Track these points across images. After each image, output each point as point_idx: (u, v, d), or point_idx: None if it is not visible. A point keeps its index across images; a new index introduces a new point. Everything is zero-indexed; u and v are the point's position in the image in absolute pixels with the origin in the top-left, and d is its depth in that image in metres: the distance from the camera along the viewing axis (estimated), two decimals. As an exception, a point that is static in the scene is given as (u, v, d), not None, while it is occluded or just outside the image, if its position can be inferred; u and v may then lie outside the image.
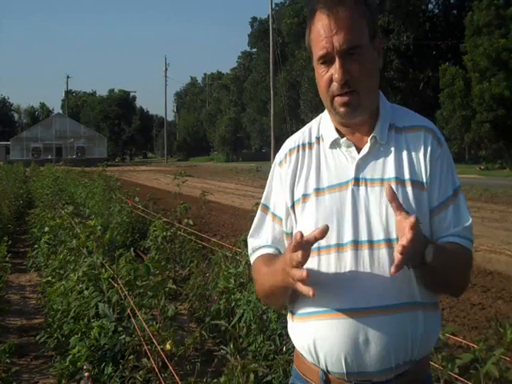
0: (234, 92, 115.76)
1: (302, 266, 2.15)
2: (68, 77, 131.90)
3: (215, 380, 5.01)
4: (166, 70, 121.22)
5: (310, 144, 2.55)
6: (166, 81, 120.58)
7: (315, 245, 2.23)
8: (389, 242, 2.29)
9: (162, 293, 7.07)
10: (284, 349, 5.83)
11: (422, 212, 2.35)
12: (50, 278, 9.17)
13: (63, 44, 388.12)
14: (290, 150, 2.58)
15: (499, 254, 12.85)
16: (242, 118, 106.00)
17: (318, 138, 2.54)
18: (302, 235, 2.14)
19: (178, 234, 11.67)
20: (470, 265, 2.46)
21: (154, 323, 6.09)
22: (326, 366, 2.37)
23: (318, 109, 64.37)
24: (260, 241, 2.62)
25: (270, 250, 2.58)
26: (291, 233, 2.51)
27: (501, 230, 16.67)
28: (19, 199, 23.53)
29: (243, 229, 15.69)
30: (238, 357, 4.79)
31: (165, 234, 11.20)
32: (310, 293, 2.11)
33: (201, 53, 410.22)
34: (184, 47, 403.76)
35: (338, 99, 2.40)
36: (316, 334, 2.37)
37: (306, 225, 2.42)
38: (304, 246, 2.14)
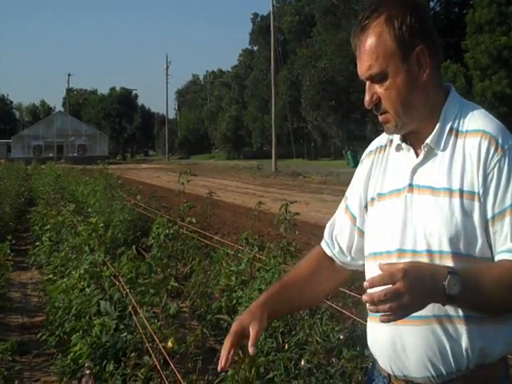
0: (235, 90, 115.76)
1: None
2: (69, 75, 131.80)
3: (223, 374, 4.99)
4: (168, 67, 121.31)
5: (385, 146, 2.55)
6: (167, 78, 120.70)
7: (373, 250, 2.43)
8: (429, 253, 2.25)
9: (163, 291, 7.07)
10: (286, 346, 5.82)
11: (473, 224, 2.24)
12: (51, 276, 9.16)
13: (64, 42, 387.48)
14: (370, 152, 2.61)
15: None
16: (244, 115, 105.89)
17: (390, 141, 2.53)
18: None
19: (180, 231, 11.67)
20: None
21: (156, 321, 6.09)
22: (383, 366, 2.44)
23: (319, 107, 64.32)
24: (327, 232, 2.72)
25: (325, 250, 2.70)
26: (363, 230, 2.57)
27: None
28: (20, 197, 23.55)
29: (245, 227, 15.73)
30: (239, 352, 4.78)
31: (167, 231, 11.20)
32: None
33: (202, 50, 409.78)
34: (185, 45, 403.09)
35: (379, 117, 2.41)
36: (370, 337, 2.47)
37: (368, 228, 2.52)
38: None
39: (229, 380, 2.47)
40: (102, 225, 9.50)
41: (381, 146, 2.57)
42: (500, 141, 2.24)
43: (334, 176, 46.11)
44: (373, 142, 2.64)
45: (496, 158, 2.22)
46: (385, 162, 2.52)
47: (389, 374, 2.40)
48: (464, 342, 2.21)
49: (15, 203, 20.91)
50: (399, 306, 1.97)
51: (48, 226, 12.49)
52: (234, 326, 2.40)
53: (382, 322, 2.01)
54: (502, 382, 2.28)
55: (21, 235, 16.88)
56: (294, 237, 10.12)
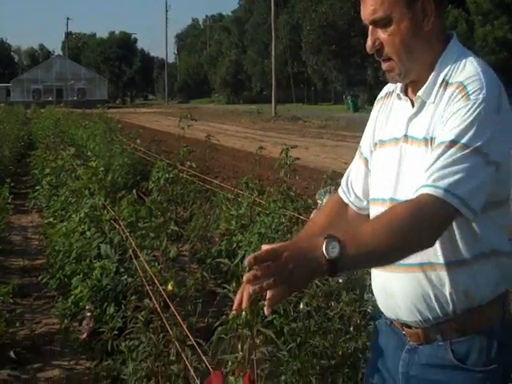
0: (235, 34, 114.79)
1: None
2: (68, 18, 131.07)
3: (223, 316, 5.03)
4: (167, 11, 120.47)
5: (391, 93, 2.54)
6: (166, 22, 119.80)
7: (373, 195, 2.49)
8: None
9: (163, 234, 7.08)
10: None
11: (451, 233, 2.22)
12: (51, 220, 9.19)
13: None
14: (381, 97, 2.61)
15: None
16: (243, 60, 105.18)
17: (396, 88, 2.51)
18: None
19: (180, 175, 11.66)
20: (431, 217, 2.09)
21: (156, 264, 6.11)
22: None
23: (319, 51, 63.89)
24: (344, 180, 2.72)
25: (342, 197, 2.70)
26: None
27: None
28: (20, 141, 23.50)
29: (245, 171, 15.72)
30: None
31: (167, 175, 11.20)
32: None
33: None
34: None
35: (382, 64, 2.38)
36: (372, 282, 2.52)
37: (371, 173, 2.56)
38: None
39: (230, 323, 2.48)
40: (101, 169, 9.48)
41: (389, 92, 2.57)
42: (470, 91, 2.18)
43: (333, 121, 45.97)
44: (384, 88, 2.63)
45: (458, 105, 2.17)
46: (389, 108, 2.52)
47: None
48: (447, 288, 2.24)
49: (15, 147, 20.88)
50: (280, 281, 1.91)
51: (48, 170, 12.47)
52: (264, 247, 2.24)
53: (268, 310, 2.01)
54: (495, 325, 2.29)
55: (20, 179, 16.90)
56: (294, 181, 10.12)
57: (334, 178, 7.15)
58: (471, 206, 2.09)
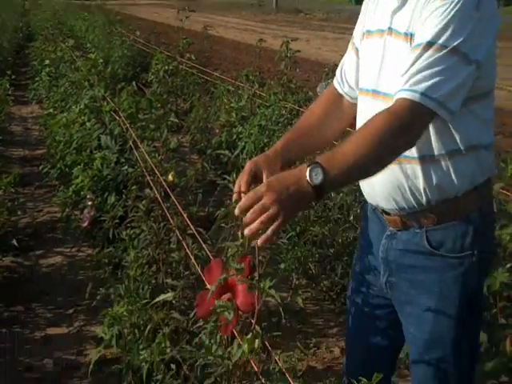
0: None
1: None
2: None
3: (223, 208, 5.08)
4: None
5: None
6: None
7: (360, 85, 2.48)
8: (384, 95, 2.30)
9: (164, 126, 7.07)
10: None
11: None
12: (51, 111, 9.15)
13: None
14: None
15: (499, 90, 12.73)
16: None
17: None
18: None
19: (180, 67, 11.59)
20: (409, 122, 2.06)
21: (156, 155, 6.12)
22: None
23: None
24: (338, 71, 2.72)
25: (337, 88, 2.70)
26: None
27: (501, 67, 16.42)
28: (19, 32, 23.20)
29: (245, 63, 15.60)
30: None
31: (167, 67, 11.12)
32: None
33: None
34: None
35: None
36: None
37: (359, 62, 2.54)
38: None
39: (230, 212, 2.51)
40: (101, 60, 9.39)
41: None
42: None
43: (335, 13, 45.39)
44: None
45: (436, 3, 2.10)
46: (377, 0, 2.47)
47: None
48: (421, 181, 2.26)
49: (13, 38, 20.64)
50: (270, 219, 1.89)
51: (47, 62, 12.32)
52: (248, 165, 2.35)
53: (262, 244, 1.95)
54: (472, 214, 2.31)
55: (20, 70, 16.74)
56: (295, 74, 10.05)
57: (335, 71, 7.10)
58: (449, 107, 2.07)
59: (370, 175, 2.18)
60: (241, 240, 2.20)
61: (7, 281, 5.51)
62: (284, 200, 1.90)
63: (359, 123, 2.45)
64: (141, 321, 3.63)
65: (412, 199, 2.30)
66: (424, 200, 2.28)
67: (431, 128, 2.21)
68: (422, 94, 2.04)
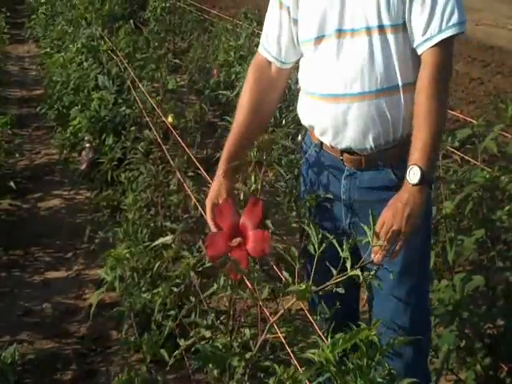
0: None
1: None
2: None
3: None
4: None
5: None
6: None
7: (314, 34, 2.39)
8: (368, 30, 2.28)
9: (164, 66, 7.01)
10: (284, 122, 5.85)
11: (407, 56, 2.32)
12: (48, 50, 9.07)
13: None
14: None
15: (501, 29, 12.59)
16: None
17: None
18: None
19: (177, 5, 11.46)
20: (446, 67, 2.30)
21: (155, 95, 6.07)
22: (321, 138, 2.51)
23: None
24: (264, 38, 2.64)
25: (265, 55, 2.63)
26: (297, 19, 2.49)
27: (504, 4, 16.18)
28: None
29: (244, 1, 15.39)
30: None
31: (164, 5, 11.00)
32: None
33: None
34: None
35: None
36: (309, 112, 2.52)
37: (302, 14, 2.46)
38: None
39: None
40: (98, -3, 9.31)
41: None
42: None
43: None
44: None
45: None
46: None
47: (321, 142, 2.52)
48: (402, 110, 2.33)
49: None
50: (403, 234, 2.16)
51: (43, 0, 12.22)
52: (208, 205, 2.52)
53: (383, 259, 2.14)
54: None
55: (16, 8, 16.51)
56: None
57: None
58: (464, 24, 2.26)
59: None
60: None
61: (5, 224, 5.50)
62: (405, 216, 2.16)
63: (320, 71, 2.43)
64: (140, 265, 3.64)
65: (391, 132, 2.36)
66: (400, 131, 2.36)
67: (410, 55, 2.31)
68: (440, 31, 2.23)
